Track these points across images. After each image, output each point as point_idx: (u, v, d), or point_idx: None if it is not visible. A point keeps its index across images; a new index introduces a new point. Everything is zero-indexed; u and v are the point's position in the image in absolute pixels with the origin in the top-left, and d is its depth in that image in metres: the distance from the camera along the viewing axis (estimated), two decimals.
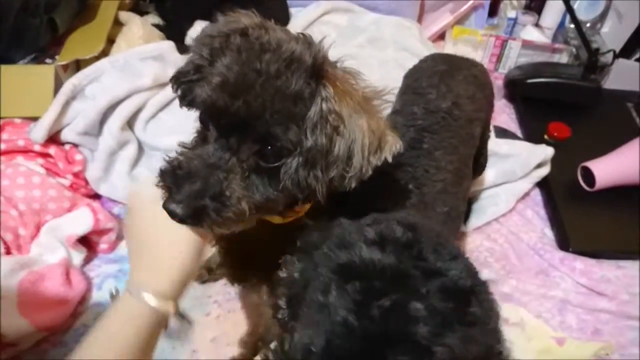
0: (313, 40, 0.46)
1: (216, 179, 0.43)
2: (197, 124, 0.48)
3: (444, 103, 0.68)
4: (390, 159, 0.46)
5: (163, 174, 0.45)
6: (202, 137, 0.47)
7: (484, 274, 0.90)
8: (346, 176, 0.45)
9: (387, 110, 0.49)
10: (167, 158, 0.46)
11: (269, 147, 0.43)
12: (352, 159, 0.44)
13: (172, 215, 0.43)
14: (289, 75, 0.42)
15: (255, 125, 0.42)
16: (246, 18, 0.47)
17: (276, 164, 0.44)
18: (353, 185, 0.46)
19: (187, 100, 0.50)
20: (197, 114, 0.48)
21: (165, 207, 0.43)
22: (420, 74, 0.76)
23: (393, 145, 0.46)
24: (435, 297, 0.33)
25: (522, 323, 0.81)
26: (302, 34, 0.46)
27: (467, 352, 0.32)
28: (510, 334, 0.78)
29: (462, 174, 0.67)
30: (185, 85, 0.50)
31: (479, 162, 0.84)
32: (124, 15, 1.10)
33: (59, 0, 0.99)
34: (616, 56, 1.29)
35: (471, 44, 1.39)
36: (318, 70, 0.44)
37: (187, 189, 0.42)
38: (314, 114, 0.43)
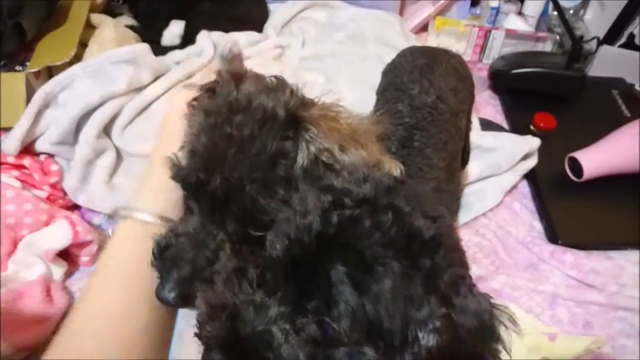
0: (285, 83, 0.44)
1: (204, 261, 0.41)
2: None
3: (429, 98, 0.67)
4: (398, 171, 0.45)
5: (154, 255, 0.43)
6: (188, 208, 0.44)
7: (473, 270, 0.90)
8: None
9: (376, 134, 0.46)
10: (156, 237, 0.44)
11: (257, 217, 0.41)
12: None
13: (165, 303, 0.42)
14: (263, 137, 0.39)
15: (237, 200, 0.40)
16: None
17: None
18: None
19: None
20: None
21: (156, 295, 0.41)
22: (399, 70, 0.75)
23: (388, 169, 0.44)
24: (396, 233, 0.34)
25: (512, 319, 0.81)
26: (275, 77, 0.44)
27: (406, 287, 0.33)
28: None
29: (453, 170, 0.67)
30: None
31: (462, 156, 0.83)
32: (96, 18, 1.06)
33: (23, 3, 0.95)
34: (600, 43, 1.28)
35: (454, 35, 1.37)
36: (294, 118, 0.41)
37: (175, 276, 0.41)
38: (302, 161, 0.40)
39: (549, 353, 0.79)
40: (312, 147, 0.41)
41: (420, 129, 0.64)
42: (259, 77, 0.44)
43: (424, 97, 0.67)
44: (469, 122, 0.83)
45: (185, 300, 0.41)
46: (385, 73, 0.80)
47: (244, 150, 0.39)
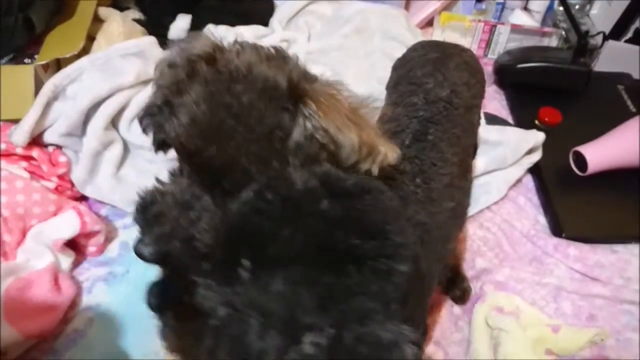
0: (286, 55, 0.43)
1: (186, 221, 0.41)
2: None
3: (443, 92, 0.66)
4: (376, 172, 0.43)
5: (136, 210, 0.43)
6: (179, 169, 0.44)
7: (478, 263, 0.91)
8: None
9: (375, 118, 0.46)
10: (141, 192, 0.44)
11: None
12: None
13: (141, 257, 0.41)
14: (262, 108, 0.39)
15: (230, 170, 0.39)
16: (207, 41, 0.43)
17: None
18: None
19: (158, 142, 0.46)
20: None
21: (134, 249, 0.41)
22: (412, 64, 0.74)
23: (384, 156, 0.43)
24: (307, 241, 0.33)
25: (517, 312, 0.81)
26: (275, 47, 0.43)
27: (297, 295, 0.32)
28: (506, 323, 0.78)
29: (466, 166, 0.66)
30: (154, 125, 0.46)
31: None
32: (104, 11, 1.07)
33: None
34: (606, 38, 1.28)
35: (459, 30, 1.37)
36: (295, 90, 0.41)
37: (156, 231, 0.41)
38: (298, 135, 0.40)
39: (553, 345, 0.79)
40: (308, 123, 0.40)
41: (435, 122, 0.63)
42: (257, 47, 0.42)
43: (438, 90, 0.66)
44: (479, 117, 0.83)
45: (162, 258, 0.41)
46: (396, 67, 0.79)
47: (242, 122, 0.38)
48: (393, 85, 0.75)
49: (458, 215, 0.61)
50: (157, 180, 0.45)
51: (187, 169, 0.42)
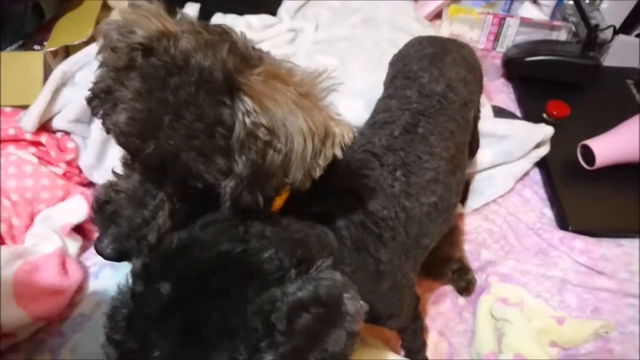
0: (226, 36, 0.40)
1: (141, 219, 0.41)
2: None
3: (438, 86, 0.66)
4: (340, 155, 0.42)
5: (93, 209, 0.43)
6: (130, 165, 0.43)
7: (483, 255, 0.91)
8: (287, 183, 0.41)
9: (331, 93, 0.43)
10: (98, 190, 0.44)
11: (194, 183, 0.40)
12: (290, 168, 0.40)
13: (101, 255, 0.42)
14: (200, 102, 0.37)
15: (174, 166, 0.39)
16: (145, 27, 0.39)
17: (208, 191, 0.41)
18: (307, 186, 0.42)
19: (106, 127, 0.44)
20: None
21: (95, 248, 0.42)
22: (408, 59, 0.74)
23: (340, 137, 0.41)
24: (177, 336, 0.35)
25: (521, 303, 0.81)
26: (216, 28, 0.41)
27: None
28: (510, 314, 0.78)
29: (458, 162, 0.65)
30: (101, 110, 0.44)
31: (471, 142, 0.83)
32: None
33: None
34: (616, 32, 1.27)
35: (468, 23, 1.36)
36: (231, 83, 0.38)
37: (112, 231, 0.41)
38: (240, 132, 0.38)
39: (557, 337, 0.79)
40: (247, 119, 0.38)
41: (427, 115, 0.63)
42: (198, 32, 0.40)
43: (433, 85, 0.66)
44: (477, 111, 0.82)
45: (121, 255, 0.41)
46: (392, 63, 0.79)
47: (179, 117, 0.37)
48: (390, 80, 0.74)
49: (440, 210, 0.59)
50: (114, 172, 0.44)
51: (137, 167, 0.41)
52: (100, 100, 0.43)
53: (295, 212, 0.46)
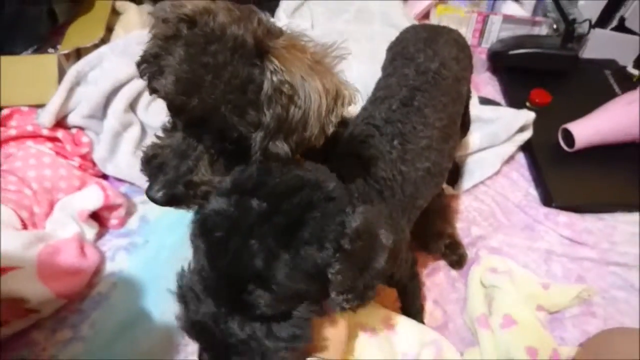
0: (253, 13, 0.48)
1: (186, 168, 0.47)
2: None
3: (433, 64, 0.72)
4: (347, 113, 0.50)
5: (142, 163, 0.49)
6: (172, 124, 0.50)
7: (473, 231, 0.97)
8: (306, 138, 0.47)
9: (339, 64, 0.50)
10: (144, 149, 0.50)
11: (231, 133, 0.46)
12: (308, 123, 0.47)
13: (153, 201, 0.48)
14: (235, 64, 0.44)
15: (213, 118, 0.45)
16: (190, 3, 0.48)
17: (245, 144, 0.47)
18: (321, 142, 0.49)
19: (151, 88, 0.52)
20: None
21: (146, 194, 0.48)
22: (405, 42, 0.81)
23: (349, 97, 0.49)
24: (270, 233, 0.41)
25: (509, 272, 0.87)
26: (244, 6, 0.48)
27: (299, 262, 0.41)
28: (499, 281, 0.84)
29: (450, 132, 0.71)
30: (147, 73, 0.52)
31: (463, 122, 0.90)
32: (121, 4, 1.15)
33: None
34: (592, 26, 1.35)
35: (455, 21, 1.44)
36: (260, 47, 0.45)
37: (162, 179, 0.47)
38: (268, 89, 0.45)
39: (544, 301, 0.85)
40: (275, 77, 0.44)
41: (423, 90, 0.69)
42: (230, 9, 0.47)
43: (428, 63, 0.73)
44: (469, 90, 0.89)
45: (171, 200, 0.47)
46: (390, 48, 0.86)
47: (218, 76, 0.43)
48: (389, 62, 0.81)
49: (433, 174, 0.66)
50: (156, 136, 0.51)
51: (180, 124, 0.48)
52: (149, 64, 0.50)
53: None
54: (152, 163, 0.48)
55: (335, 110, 0.48)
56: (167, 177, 0.46)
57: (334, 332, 0.55)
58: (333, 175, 0.49)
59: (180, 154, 0.47)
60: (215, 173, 0.48)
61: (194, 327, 0.44)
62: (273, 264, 0.40)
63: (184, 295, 0.45)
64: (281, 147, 0.47)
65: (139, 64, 0.52)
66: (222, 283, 0.41)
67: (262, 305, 0.41)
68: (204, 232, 0.42)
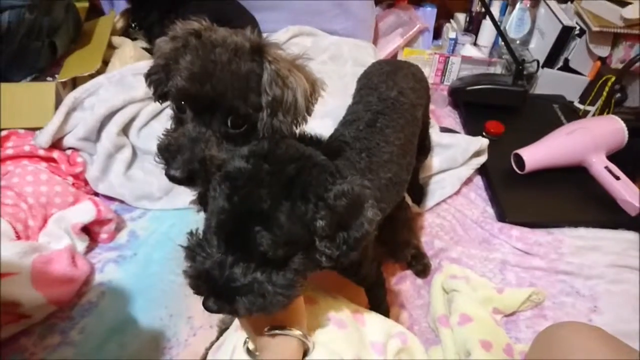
0: (245, 32, 0.60)
1: (199, 149, 0.56)
2: (172, 113, 0.61)
3: (392, 93, 0.84)
4: (323, 95, 0.62)
5: (160, 151, 0.58)
6: (179, 121, 0.60)
7: (435, 244, 1.07)
8: (298, 119, 0.59)
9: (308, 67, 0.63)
10: (158, 140, 0.59)
11: (235, 116, 0.57)
12: (298, 103, 0.59)
13: (173, 180, 0.56)
14: (237, 61, 0.55)
15: (222, 102, 0.56)
16: (196, 23, 0.60)
17: (243, 129, 0.58)
18: (304, 125, 0.61)
19: (158, 95, 0.63)
20: (172, 105, 0.61)
21: (166, 174, 0.56)
22: (371, 75, 0.93)
23: (319, 92, 0.62)
24: (275, 186, 0.50)
25: (467, 277, 0.97)
26: (239, 30, 0.60)
27: (295, 211, 0.50)
28: (458, 285, 0.93)
29: (407, 149, 0.83)
30: (156, 82, 0.63)
31: (424, 146, 1.02)
32: (117, 40, 1.26)
33: (59, 25, 1.14)
34: (541, 66, 1.52)
35: (420, 62, 1.60)
36: (258, 48, 0.57)
37: (180, 159, 0.56)
38: (268, 76, 0.57)
39: (498, 303, 0.94)
40: (273, 67, 0.56)
41: (384, 114, 0.81)
42: (225, 28, 0.60)
43: (389, 92, 0.85)
44: (427, 117, 1.01)
45: (188, 176, 0.55)
46: (359, 80, 0.98)
47: (225, 69, 0.54)
48: (357, 91, 0.93)
49: (394, 183, 0.77)
50: (165, 132, 0.60)
51: (190, 115, 0.58)
52: (157, 74, 0.61)
53: None
54: (169, 149, 0.57)
55: (314, 95, 0.60)
56: (184, 157, 0.55)
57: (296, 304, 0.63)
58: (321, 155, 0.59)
59: (193, 139, 0.56)
60: (221, 152, 0.58)
61: (201, 276, 0.51)
62: (276, 208, 0.49)
63: (192, 250, 0.52)
64: (283, 121, 0.58)
65: (147, 76, 0.62)
66: (235, 221, 0.49)
67: (264, 244, 0.49)
68: (228, 179, 0.51)
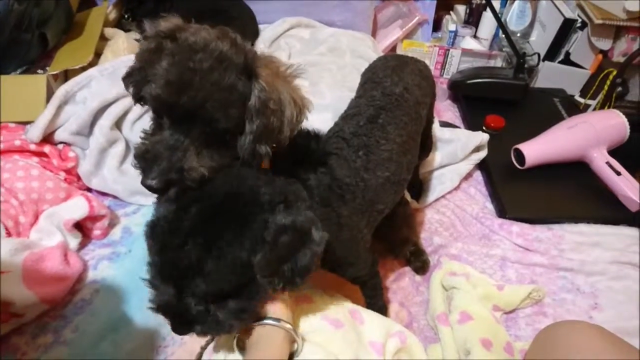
0: (238, 39, 0.56)
1: (176, 158, 0.53)
2: (152, 115, 0.58)
3: (397, 89, 0.81)
4: (308, 117, 0.59)
5: (137, 158, 0.56)
6: (158, 125, 0.57)
7: (435, 240, 1.05)
8: (280, 140, 0.57)
9: (299, 79, 0.60)
10: (135, 146, 0.57)
11: (215, 128, 0.54)
12: (283, 128, 0.56)
13: (150, 189, 0.54)
14: (221, 71, 0.52)
15: (200, 114, 0.52)
16: (169, 22, 0.55)
17: (223, 139, 0.55)
18: (286, 143, 0.58)
19: (137, 97, 0.60)
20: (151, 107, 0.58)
21: (143, 183, 0.54)
22: (376, 69, 0.90)
23: (307, 110, 0.59)
24: (202, 234, 0.50)
25: (467, 274, 0.95)
26: (224, 31, 0.56)
27: (230, 257, 0.50)
28: (458, 282, 0.92)
29: (409, 147, 0.80)
30: (134, 84, 0.60)
31: (426, 145, 0.99)
32: (110, 31, 1.23)
33: (49, 16, 1.11)
34: (542, 59, 1.50)
35: (419, 54, 1.57)
36: (250, 68, 0.53)
37: (156, 169, 0.53)
38: (255, 103, 0.54)
39: (498, 300, 0.93)
40: (262, 95, 0.53)
41: (387, 110, 0.78)
42: (208, 29, 0.54)
43: (393, 87, 0.82)
44: (431, 115, 0.98)
45: (166, 186, 0.53)
46: (364, 73, 0.95)
47: (205, 78, 0.50)
48: (361, 85, 0.91)
49: (392, 182, 0.74)
50: (142, 138, 0.57)
51: (167, 123, 0.54)
52: (134, 76, 0.58)
53: (282, 173, 0.61)
54: (145, 157, 0.54)
55: (300, 117, 0.58)
56: (160, 167, 0.52)
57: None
58: (275, 178, 0.57)
59: (170, 147, 0.53)
60: (200, 162, 0.55)
61: (161, 307, 0.53)
62: (203, 261, 0.49)
63: (151, 284, 0.54)
64: (264, 149, 0.56)
65: (125, 77, 0.59)
66: (171, 272, 0.51)
67: (199, 294, 0.50)
68: (153, 234, 0.52)
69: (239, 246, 0.50)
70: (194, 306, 0.52)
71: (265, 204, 0.52)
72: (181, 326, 0.54)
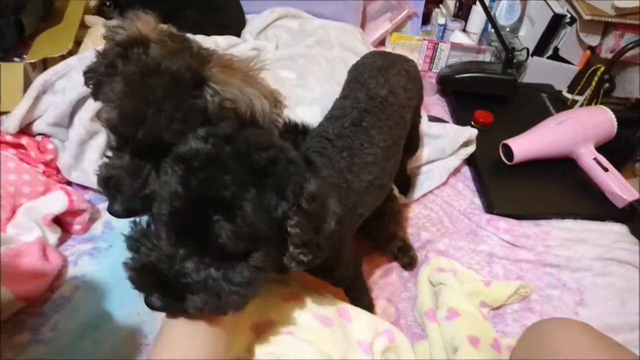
0: (186, 39, 0.54)
1: (138, 185, 0.53)
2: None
3: (382, 91, 0.79)
4: (287, 105, 0.58)
5: (100, 184, 0.55)
6: (119, 146, 0.55)
7: (422, 235, 1.05)
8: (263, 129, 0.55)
9: (262, 72, 0.59)
10: (97, 170, 0.56)
11: None
12: (258, 120, 0.54)
13: (115, 216, 0.54)
14: (175, 96, 0.50)
15: (159, 144, 0.51)
16: (132, 26, 0.53)
17: None
18: (275, 133, 0.57)
19: (94, 95, 0.59)
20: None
21: (108, 210, 0.54)
22: (362, 68, 0.88)
23: (279, 96, 0.58)
24: (240, 172, 0.45)
25: (455, 270, 0.95)
26: (176, 37, 0.54)
27: (263, 202, 0.46)
28: (445, 278, 0.91)
29: (392, 152, 0.78)
30: (93, 84, 0.58)
31: (412, 145, 0.98)
32: (90, 19, 1.18)
33: (25, 1, 1.06)
34: (530, 54, 1.50)
35: (408, 48, 1.56)
36: (197, 77, 0.52)
37: (119, 197, 0.53)
38: (212, 108, 0.52)
39: (485, 296, 0.93)
40: (216, 98, 0.51)
41: (371, 113, 0.76)
42: (164, 41, 0.52)
43: (378, 89, 0.80)
44: (418, 117, 0.97)
45: (130, 213, 0.53)
46: (351, 71, 0.92)
47: (160, 110, 0.49)
48: (347, 84, 0.88)
49: (375, 186, 0.73)
50: (106, 156, 0.57)
51: (127, 149, 0.54)
52: (92, 77, 0.57)
53: None
54: (108, 184, 0.54)
55: (279, 104, 0.57)
56: (124, 196, 0.52)
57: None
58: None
59: (131, 173, 0.53)
60: None
61: (145, 268, 0.46)
62: (241, 195, 0.44)
63: (136, 241, 0.48)
64: None
65: (85, 72, 0.58)
66: (190, 209, 0.44)
67: (224, 236, 0.43)
68: (183, 161, 0.45)
69: (281, 198, 0.46)
70: (193, 271, 0.45)
71: (299, 166, 0.50)
72: (170, 294, 0.45)
